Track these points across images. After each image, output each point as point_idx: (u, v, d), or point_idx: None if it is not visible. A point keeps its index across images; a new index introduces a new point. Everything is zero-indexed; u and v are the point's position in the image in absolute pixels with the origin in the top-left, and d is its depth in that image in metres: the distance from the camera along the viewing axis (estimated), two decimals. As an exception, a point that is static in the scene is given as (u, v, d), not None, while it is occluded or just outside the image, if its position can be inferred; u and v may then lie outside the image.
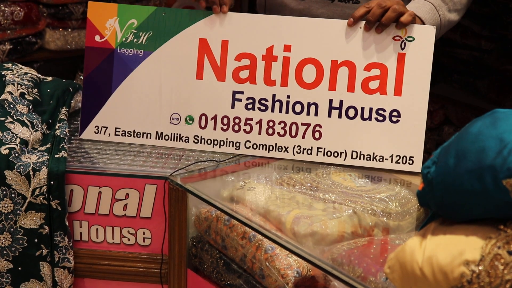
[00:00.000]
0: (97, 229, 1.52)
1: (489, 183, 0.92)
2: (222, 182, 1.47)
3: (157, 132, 1.65)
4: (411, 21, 1.58)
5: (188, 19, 1.64)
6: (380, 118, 1.57)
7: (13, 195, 1.42)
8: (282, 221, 1.28)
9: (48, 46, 3.15)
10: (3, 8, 2.90)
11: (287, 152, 1.60)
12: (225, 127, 1.63)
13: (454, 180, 0.98)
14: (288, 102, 1.61)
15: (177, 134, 1.65)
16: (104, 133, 1.67)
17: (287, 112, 1.61)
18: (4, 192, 1.41)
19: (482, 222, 0.96)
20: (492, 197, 0.92)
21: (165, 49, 1.65)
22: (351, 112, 1.58)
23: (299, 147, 1.60)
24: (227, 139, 1.63)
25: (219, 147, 1.63)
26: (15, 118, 1.53)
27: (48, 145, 1.52)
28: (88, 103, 1.67)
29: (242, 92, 1.62)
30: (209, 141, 1.64)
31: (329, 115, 1.59)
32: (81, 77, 3.18)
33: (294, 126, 1.61)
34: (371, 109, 1.57)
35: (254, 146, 1.61)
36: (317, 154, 1.60)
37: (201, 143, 1.64)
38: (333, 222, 1.26)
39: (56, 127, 1.59)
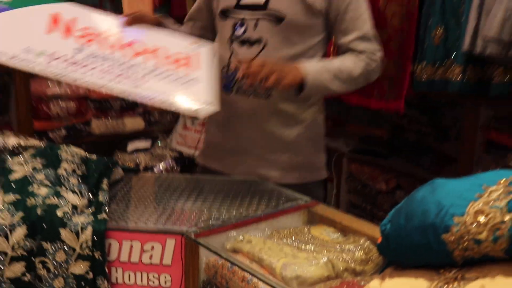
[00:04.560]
0: (129, 274, 1.49)
1: (431, 237, 0.93)
2: (226, 237, 1.46)
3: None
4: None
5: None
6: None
7: (65, 248, 1.40)
8: (273, 267, 1.27)
9: (93, 131, 3.19)
10: (60, 103, 2.96)
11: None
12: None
13: (404, 236, 0.99)
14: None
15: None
16: None
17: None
18: (59, 246, 1.40)
19: (427, 268, 0.96)
20: (434, 249, 0.92)
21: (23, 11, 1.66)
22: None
23: None
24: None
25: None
26: (69, 189, 1.53)
27: (93, 209, 1.52)
28: None
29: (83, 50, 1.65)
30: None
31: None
32: (118, 154, 3.20)
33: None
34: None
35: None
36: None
37: None
38: (313, 268, 1.25)
39: (99, 195, 1.59)
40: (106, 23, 1.80)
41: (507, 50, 1.95)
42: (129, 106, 3.24)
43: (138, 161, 3.15)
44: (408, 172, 2.87)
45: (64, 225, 1.42)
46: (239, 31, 1.73)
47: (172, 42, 1.78)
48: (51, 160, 1.64)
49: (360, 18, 1.72)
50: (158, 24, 1.88)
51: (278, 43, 1.71)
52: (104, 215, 1.48)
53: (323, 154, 1.96)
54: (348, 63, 1.70)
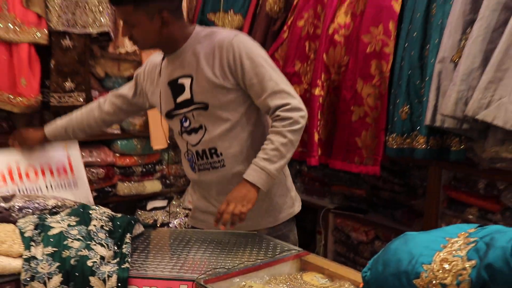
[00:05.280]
0: (148, 316, 1.47)
1: (404, 282, 0.92)
2: (231, 283, 1.44)
3: None
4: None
5: None
6: None
7: (94, 293, 1.39)
8: (271, 309, 1.26)
9: (119, 193, 3.17)
10: (92, 170, 2.96)
11: None
12: None
13: (382, 281, 0.98)
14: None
15: None
16: None
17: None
18: (88, 292, 1.39)
19: (402, 309, 0.95)
20: (407, 292, 0.91)
21: None
22: None
23: None
24: None
25: None
26: (97, 242, 1.53)
27: (118, 259, 1.51)
28: None
29: None
30: None
31: None
32: (139, 212, 3.19)
33: None
34: None
35: None
36: None
37: None
38: (305, 309, 1.23)
39: (123, 247, 1.58)
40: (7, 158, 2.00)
41: (461, 124, 1.99)
42: (148, 172, 3.25)
43: (156, 218, 3.13)
44: (384, 224, 2.85)
45: (93, 274, 1.41)
46: (185, 124, 1.76)
47: (51, 157, 2.04)
48: (83, 218, 1.65)
49: (264, 79, 1.64)
50: (44, 138, 2.05)
51: (214, 124, 1.72)
52: (127, 265, 1.47)
53: (289, 193, 1.89)
54: (276, 138, 1.63)
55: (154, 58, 1.90)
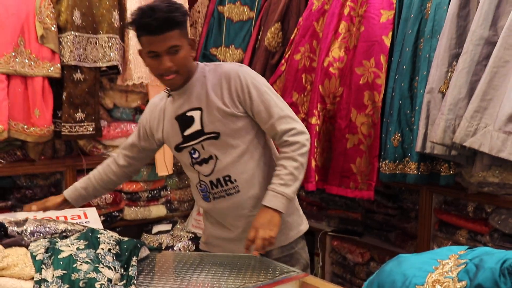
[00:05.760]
0: (153, 337, 1.45)
1: (398, 303, 0.92)
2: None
3: None
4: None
5: None
6: None
7: (102, 314, 1.37)
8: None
9: (125, 217, 3.15)
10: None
11: None
12: None
13: (377, 301, 0.98)
14: None
15: None
16: None
17: None
18: (97, 312, 1.38)
19: (397, 328, 0.94)
20: (401, 312, 0.91)
21: None
22: None
23: None
24: None
25: None
26: (105, 265, 1.51)
27: (124, 281, 1.50)
28: None
29: None
30: None
31: None
32: (145, 236, 3.17)
33: None
34: None
35: None
36: None
37: None
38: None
39: (130, 270, 1.57)
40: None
41: (449, 150, 2.01)
42: (154, 197, 3.24)
43: (160, 241, 3.11)
44: (379, 246, 2.84)
45: (101, 296, 1.40)
46: (195, 155, 1.76)
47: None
48: (92, 241, 1.64)
49: (269, 106, 1.67)
50: (63, 201, 1.99)
51: (224, 152, 1.72)
52: (133, 287, 1.47)
53: (298, 212, 1.90)
54: (288, 163, 1.64)
55: (154, 100, 1.91)
